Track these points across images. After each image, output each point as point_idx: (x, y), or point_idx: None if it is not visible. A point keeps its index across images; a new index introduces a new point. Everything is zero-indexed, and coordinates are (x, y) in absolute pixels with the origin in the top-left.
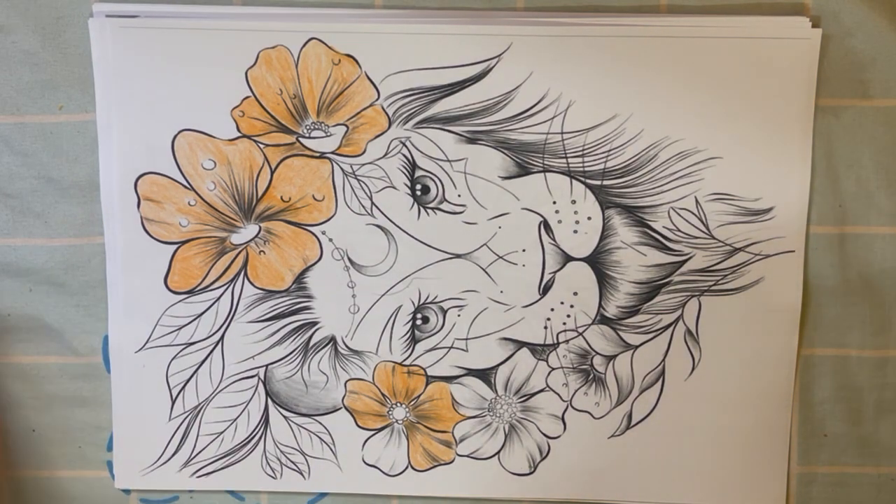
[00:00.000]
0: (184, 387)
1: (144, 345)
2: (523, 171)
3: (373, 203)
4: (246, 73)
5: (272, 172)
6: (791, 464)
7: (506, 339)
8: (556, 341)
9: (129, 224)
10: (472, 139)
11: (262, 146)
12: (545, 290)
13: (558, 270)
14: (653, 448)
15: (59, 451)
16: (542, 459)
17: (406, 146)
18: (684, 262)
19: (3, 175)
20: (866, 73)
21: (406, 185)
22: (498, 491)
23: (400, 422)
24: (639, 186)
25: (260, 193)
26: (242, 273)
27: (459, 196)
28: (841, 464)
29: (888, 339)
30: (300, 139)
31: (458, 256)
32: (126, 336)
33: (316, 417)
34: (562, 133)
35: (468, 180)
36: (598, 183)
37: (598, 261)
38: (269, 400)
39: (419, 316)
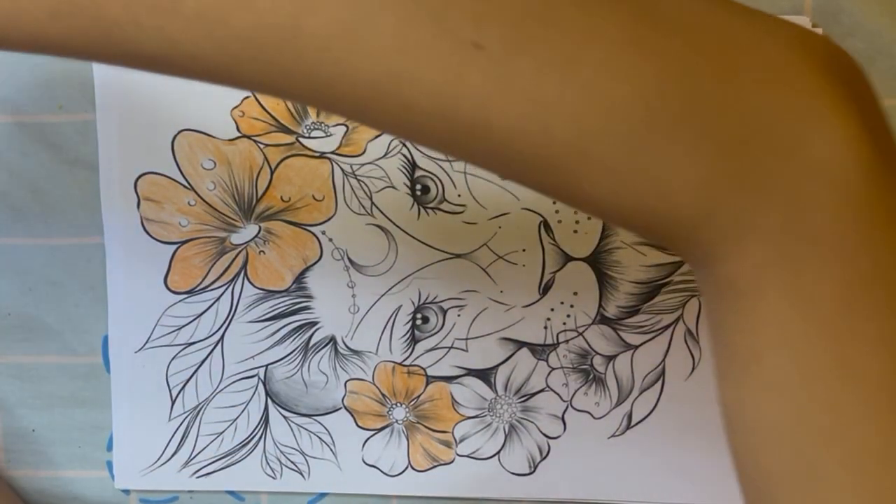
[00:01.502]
0: (184, 387)
1: (144, 345)
2: None
3: (373, 203)
4: None
5: (272, 172)
6: None
7: (506, 339)
8: (556, 341)
9: (129, 224)
10: None
11: (261, 146)
12: (545, 289)
13: (558, 270)
14: (653, 448)
15: (59, 451)
16: (542, 459)
17: (406, 146)
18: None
19: (3, 175)
20: (866, 73)
21: (406, 184)
22: (498, 491)
23: (400, 422)
24: None
25: (260, 193)
26: (242, 273)
27: (459, 196)
28: None
29: None
30: (300, 139)
31: (458, 256)
32: (126, 336)
33: (316, 417)
34: None
35: (468, 180)
36: None
37: (598, 260)
38: (269, 400)
39: (419, 316)
